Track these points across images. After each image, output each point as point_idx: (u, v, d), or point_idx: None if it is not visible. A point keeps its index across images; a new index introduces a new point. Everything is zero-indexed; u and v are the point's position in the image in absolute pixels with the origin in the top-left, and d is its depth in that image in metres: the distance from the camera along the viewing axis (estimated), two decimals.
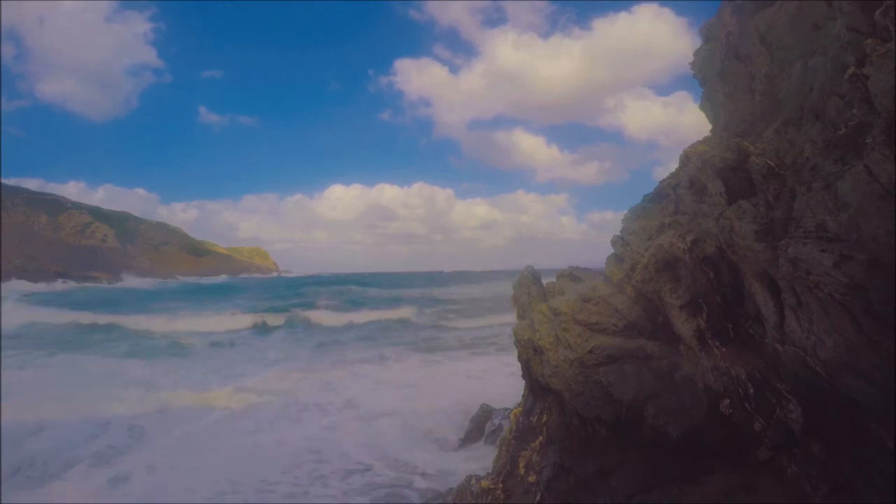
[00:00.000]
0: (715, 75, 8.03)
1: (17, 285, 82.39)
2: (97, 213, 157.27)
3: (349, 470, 12.27)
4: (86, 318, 37.40)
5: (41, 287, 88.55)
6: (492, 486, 8.15)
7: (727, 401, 5.92)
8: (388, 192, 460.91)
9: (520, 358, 8.84)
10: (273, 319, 39.01)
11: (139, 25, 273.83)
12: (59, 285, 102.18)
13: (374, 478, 11.93)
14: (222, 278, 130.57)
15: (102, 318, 36.20)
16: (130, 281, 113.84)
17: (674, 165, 8.10)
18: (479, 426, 13.25)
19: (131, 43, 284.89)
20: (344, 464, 12.57)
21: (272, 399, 18.00)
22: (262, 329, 36.17)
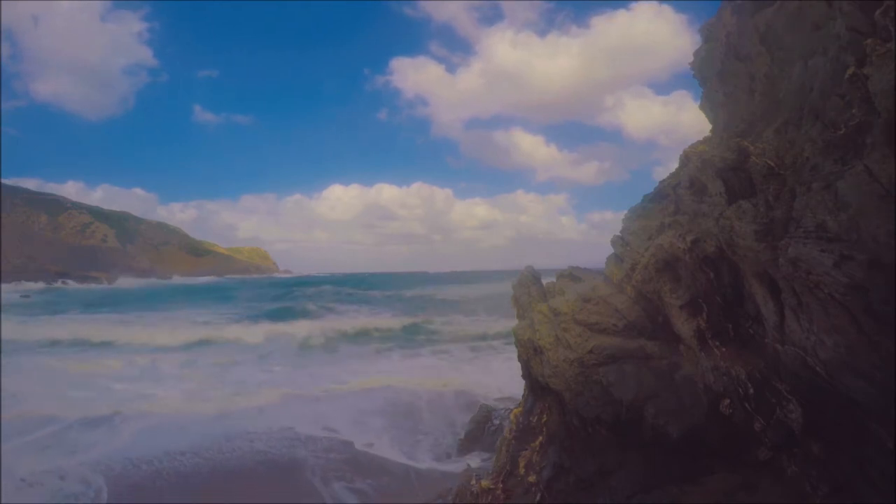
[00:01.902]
0: (715, 75, 8.03)
1: (15, 287, 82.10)
2: (97, 213, 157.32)
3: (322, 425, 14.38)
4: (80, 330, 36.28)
5: (39, 287, 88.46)
6: (492, 486, 8.15)
7: (727, 401, 5.92)
8: (386, 192, 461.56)
9: (520, 358, 8.84)
10: (265, 324, 37.99)
11: (134, 25, 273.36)
12: (59, 285, 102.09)
13: (339, 436, 13.86)
14: (206, 279, 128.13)
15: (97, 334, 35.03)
16: (123, 282, 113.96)
17: (674, 165, 8.11)
18: (480, 426, 13.25)
19: (126, 42, 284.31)
20: (317, 426, 14.56)
21: (259, 389, 18.84)
22: (255, 330, 35.47)
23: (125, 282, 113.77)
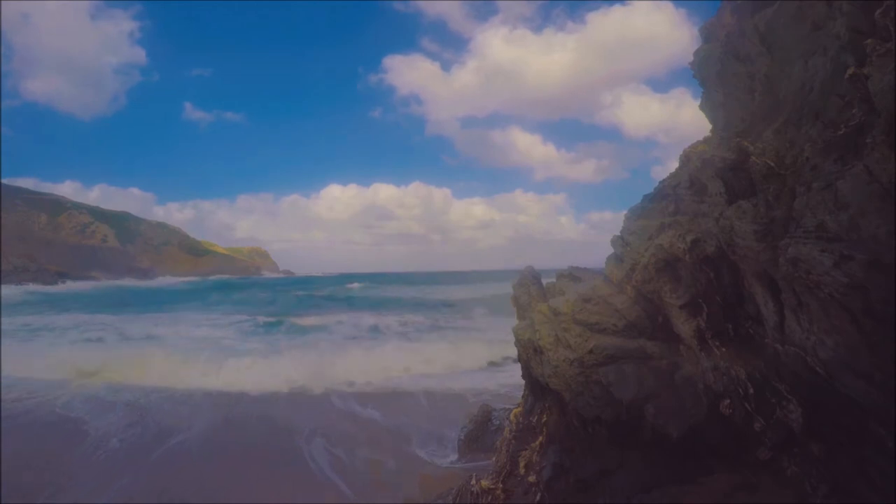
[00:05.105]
0: (715, 75, 8.02)
1: (15, 289, 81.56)
2: (97, 213, 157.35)
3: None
4: None
5: (39, 287, 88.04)
6: (492, 486, 8.15)
7: (727, 401, 5.92)
8: (384, 192, 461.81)
9: (520, 358, 8.83)
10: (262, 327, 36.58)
11: (125, 24, 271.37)
12: (59, 286, 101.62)
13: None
14: (188, 280, 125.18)
15: None
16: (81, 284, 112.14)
17: (673, 163, 8.12)
18: (480, 426, 13.23)
19: (117, 41, 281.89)
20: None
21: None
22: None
23: (87, 284, 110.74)
